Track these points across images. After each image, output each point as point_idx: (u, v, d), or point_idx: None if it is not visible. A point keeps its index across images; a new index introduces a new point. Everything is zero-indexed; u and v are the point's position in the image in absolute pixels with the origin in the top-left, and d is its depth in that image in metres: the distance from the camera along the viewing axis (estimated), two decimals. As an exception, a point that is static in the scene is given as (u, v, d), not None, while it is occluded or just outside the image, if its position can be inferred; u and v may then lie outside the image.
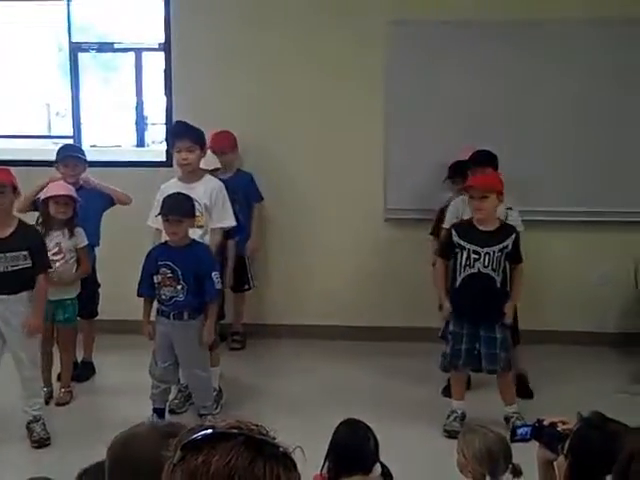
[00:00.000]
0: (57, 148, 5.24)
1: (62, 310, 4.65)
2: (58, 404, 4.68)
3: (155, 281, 4.20)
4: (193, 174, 4.50)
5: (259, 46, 5.66)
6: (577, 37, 5.41)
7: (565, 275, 5.65)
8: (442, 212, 5.10)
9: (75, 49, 6.80)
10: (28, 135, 9.21)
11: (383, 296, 5.74)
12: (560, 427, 2.17)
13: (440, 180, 5.17)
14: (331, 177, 5.75)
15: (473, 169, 4.78)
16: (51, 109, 9.99)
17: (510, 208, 4.80)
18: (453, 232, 4.34)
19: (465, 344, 4.28)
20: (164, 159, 5.77)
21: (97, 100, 9.23)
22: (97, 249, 5.04)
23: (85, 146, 6.42)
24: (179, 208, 4.11)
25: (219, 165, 5.17)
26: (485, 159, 4.77)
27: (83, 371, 5.07)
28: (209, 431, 1.27)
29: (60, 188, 4.59)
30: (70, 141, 6.65)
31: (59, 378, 4.82)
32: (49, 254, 4.47)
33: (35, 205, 4.70)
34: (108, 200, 4.97)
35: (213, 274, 4.20)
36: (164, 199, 4.18)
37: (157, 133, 8.47)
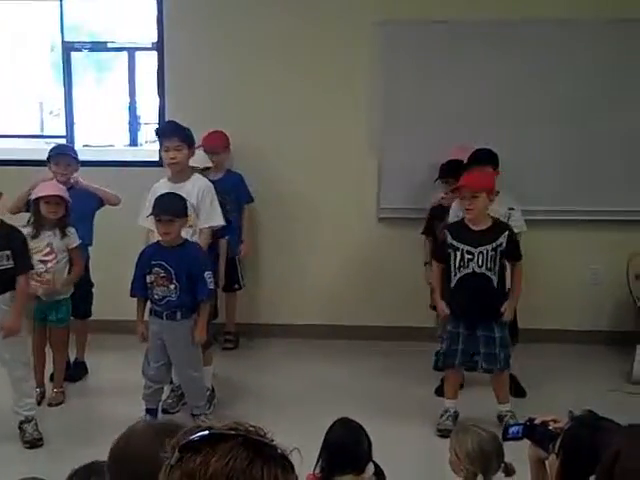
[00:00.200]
0: (49, 148, 5.22)
1: (55, 310, 4.64)
2: (50, 404, 4.66)
3: (148, 281, 4.19)
4: (181, 173, 4.48)
5: (251, 46, 5.65)
6: (569, 37, 5.41)
7: (559, 274, 5.66)
8: (433, 211, 5.11)
9: (68, 48, 6.78)
10: (21, 135, 9.19)
11: (376, 295, 5.75)
12: (552, 426, 2.17)
13: (433, 180, 5.17)
14: (324, 177, 5.75)
15: (472, 168, 4.78)
16: (44, 108, 9.97)
17: (512, 208, 4.81)
18: (446, 233, 4.34)
19: (461, 344, 4.27)
20: (157, 159, 5.74)
21: (90, 100, 9.21)
22: (90, 249, 5.03)
23: (78, 146, 6.41)
24: (171, 208, 4.10)
25: (211, 164, 5.15)
26: (485, 158, 4.77)
27: (76, 371, 5.05)
28: (207, 432, 1.27)
29: (50, 188, 4.56)
30: (63, 141, 6.64)
31: (52, 378, 4.80)
32: (41, 254, 4.46)
33: (28, 205, 4.69)
34: (98, 200, 4.96)
35: (206, 274, 4.19)
36: (156, 199, 4.17)
37: (150, 133, 8.45)
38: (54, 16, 6.76)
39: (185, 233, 4.26)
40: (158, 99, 5.89)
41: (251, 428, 1.28)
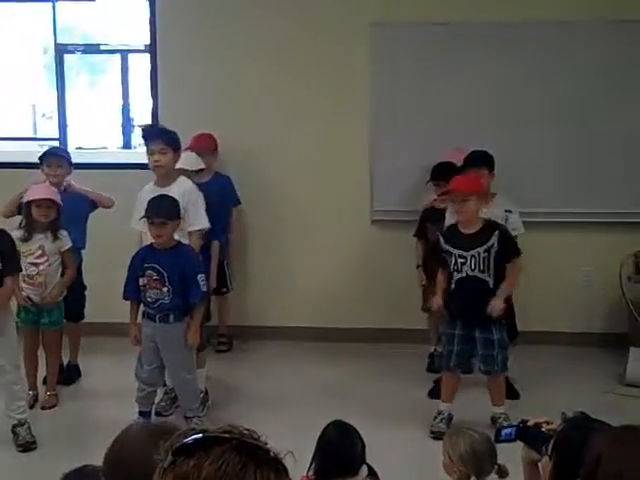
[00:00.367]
0: (42, 150, 5.22)
1: (47, 313, 4.62)
2: (44, 408, 4.65)
3: (141, 283, 4.19)
4: (167, 177, 4.45)
5: (245, 48, 5.66)
6: (569, 39, 5.42)
7: (551, 276, 5.67)
8: (425, 213, 5.12)
9: (61, 50, 6.78)
10: (13, 137, 9.16)
11: (369, 297, 5.75)
12: (544, 428, 2.18)
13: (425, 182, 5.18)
14: (317, 179, 5.76)
15: (468, 170, 4.79)
16: (37, 111, 9.94)
17: (509, 211, 4.82)
18: (440, 238, 4.33)
19: (457, 345, 4.27)
20: (150, 161, 5.75)
21: (83, 102, 9.19)
22: (83, 252, 5.02)
23: (71, 148, 6.40)
24: (163, 210, 4.10)
25: (203, 166, 5.14)
26: (480, 159, 4.77)
27: (69, 374, 5.05)
28: (200, 435, 1.26)
29: (41, 191, 4.54)
30: (56, 143, 6.63)
31: (45, 381, 4.79)
32: (32, 257, 4.45)
33: (20, 209, 4.67)
34: (90, 203, 4.95)
35: (199, 276, 4.19)
36: (149, 201, 4.16)
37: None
38: (47, 18, 6.75)
39: (175, 236, 4.25)
40: (151, 101, 5.89)
41: (245, 431, 1.28)
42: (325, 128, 5.69)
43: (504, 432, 2.37)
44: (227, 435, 1.26)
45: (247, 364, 5.42)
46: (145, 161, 5.92)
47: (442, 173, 4.92)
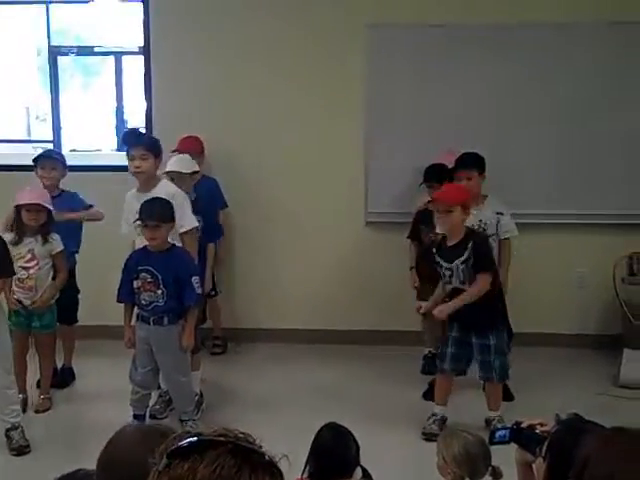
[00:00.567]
0: (36, 153, 5.21)
1: (39, 317, 4.61)
2: (37, 411, 4.64)
3: (135, 286, 4.18)
4: (148, 182, 4.42)
5: (239, 50, 5.66)
6: (562, 40, 5.43)
7: (545, 277, 5.68)
8: (418, 215, 5.12)
9: (54, 53, 6.79)
10: (7, 140, 9.15)
11: (363, 299, 5.75)
12: (538, 429, 2.18)
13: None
14: (312, 181, 5.76)
15: (459, 171, 4.80)
16: (30, 113, 9.93)
17: (501, 213, 4.82)
18: (434, 250, 4.33)
19: (451, 347, 4.27)
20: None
21: (77, 104, 9.19)
22: (77, 255, 5.01)
23: (65, 150, 6.39)
24: (156, 213, 4.09)
25: (198, 168, 5.14)
26: (471, 161, 4.78)
27: (63, 377, 5.03)
28: (195, 438, 1.26)
29: (30, 196, 4.50)
30: (50, 145, 6.63)
31: (38, 385, 4.77)
32: (22, 261, 4.43)
33: None
34: (86, 207, 4.93)
35: (193, 279, 4.18)
36: (142, 205, 4.15)
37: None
38: (41, 20, 6.75)
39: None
40: (145, 103, 5.88)
41: (240, 435, 1.27)
42: (320, 129, 5.69)
43: (498, 434, 2.37)
44: (222, 438, 1.26)
45: (241, 366, 5.41)
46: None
47: (435, 175, 4.94)
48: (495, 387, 4.36)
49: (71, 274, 4.93)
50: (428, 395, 4.66)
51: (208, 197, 5.24)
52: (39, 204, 4.46)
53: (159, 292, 4.13)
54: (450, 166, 4.88)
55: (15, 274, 4.32)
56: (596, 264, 5.54)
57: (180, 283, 4.15)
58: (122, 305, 4.29)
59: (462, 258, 4.14)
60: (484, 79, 5.49)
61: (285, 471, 1.28)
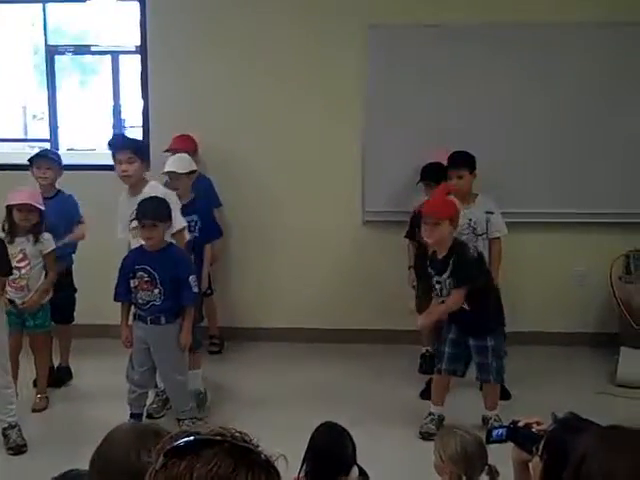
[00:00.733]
0: (33, 152, 5.20)
1: (32, 317, 4.59)
2: (34, 410, 4.63)
3: (132, 285, 4.18)
4: (136, 185, 4.41)
5: (237, 49, 5.65)
6: (559, 41, 5.43)
7: (543, 276, 5.68)
8: (415, 215, 5.11)
9: (51, 51, 6.78)
10: (4, 139, 9.15)
11: (362, 298, 5.75)
12: (535, 428, 2.17)
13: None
14: (309, 180, 5.76)
15: (450, 170, 4.80)
16: (27, 112, 9.92)
17: (491, 212, 4.82)
18: (428, 262, 4.32)
19: (448, 347, 4.28)
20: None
21: (74, 103, 9.19)
22: (74, 255, 5.01)
23: (62, 149, 6.39)
24: (152, 212, 4.09)
25: (196, 167, 5.13)
26: (461, 160, 4.79)
27: (60, 376, 5.03)
28: (192, 438, 1.26)
29: (21, 196, 4.48)
30: (47, 144, 6.62)
31: (35, 384, 4.77)
32: (14, 261, 4.41)
33: None
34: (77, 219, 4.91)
35: (190, 278, 4.19)
36: (138, 204, 4.16)
37: (135, 136, 8.44)
38: (37, 19, 6.74)
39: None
40: (142, 102, 5.88)
41: (237, 434, 1.27)
42: (318, 129, 5.68)
43: (495, 433, 2.37)
44: (219, 437, 1.25)
45: (238, 365, 5.41)
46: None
47: (432, 174, 4.94)
48: (492, 387, 4.36)
49: (68, 273, 4.93)
50: (425, 394, 4.66)
51: (204, 196, 5.24)
52: (30, 204, 4.45)
53: (156, 291, 4.13)
54: (446, 164, 4.88)
55: (12, 274, 4.31)
56: (595, 262, 5.53)
57: (177, 282, 4.16)
58: (119, 304, 4.29)
59: (448, 272, 4.14)
60: (483, 79, 5.49)
61: (282, 470, 1.28)
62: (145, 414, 4.41)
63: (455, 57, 5.47)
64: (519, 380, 4.82)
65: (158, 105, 5.74)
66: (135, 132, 8.07)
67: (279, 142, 5.73)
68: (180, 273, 4.16)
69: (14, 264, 4.42)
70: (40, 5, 7.53)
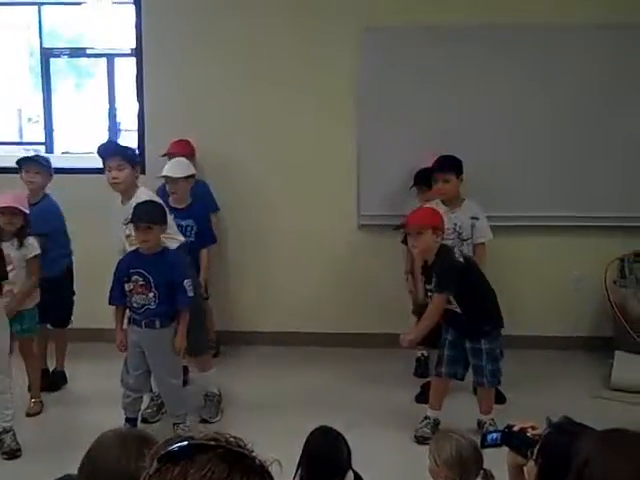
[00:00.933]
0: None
1: (19, 321, 4.53)
2: (29, 415, 4.61)
3: (127, 289, 4.17)
4: (127, 192, 4.40)
5: (231, 52, 5.66)
6: (558, 41, 5.43)
7: (537, 280, 5.69)
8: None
9: (46, 54, 6.77)
10: (-1, 142, 9.12)
11: (357, 302, 5.75)
12: (530, 432, 2.18)
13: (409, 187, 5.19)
14: (304, 183, 5.75)
15: (436, 174, 4.81)
16: (22, 115, 9.90)
17: (476, 217, 4.82)
18: (421, 270, 4.35)
19: (447, 350, 4.28)
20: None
21: (70, 106, 9.17)
22: (73, 257, 5.00)
23: (57, 152, 6.37)
24: (147, 215, 4.09)
25: (194, 171, 5.13)
26: (447, 164, 4.79)
27: (55, 380, 5.01)
28: (186, 443, 1.26)
29: (4, 199, 4.43)
30: (42, 148, 6.61)
31: (29, 389, 4.75)
32: None
33: None
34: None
35: (185, 282, 4.18)
36: (134, 207, 4.15)
37: (130, 139, 8.44)
38: (33, 22, 6.73)
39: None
40: (137, 105, 5.87)
41: (231, 439, 1.27)
42: (313, 132, 5.68)
43: (490, 437, 2.37)
44: (213, 443, 1.25)
45: (234, 369, 5.39)
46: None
47: (425, 178, 4.95)
48: (487, 391, 4.36)
49: (67, 275, 4.91)
50: (421, 398, 4.66)
51: (201, 201, 5.23)
52: (13, 207, 4.41)
53: (151, 295, 4.12)
54: (433, 168, 4.89)
55: (7, 278, 4.28)
56: (591, 266, 5.53)
57: (172, 286, 4.15)
58: (114, 308, 4.28)
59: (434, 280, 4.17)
60: (480, 81, 5.50)
61: (276, 475, 1.28)
62: (140, 418, 4.40)
63: (454, 58, 5.47)
64: (514, 384, 4.81)
65: (153, 108, 5.74)
66: (130, 135, 8.08)
67: (275, 146, 5.72)
68: (175, 277, 4.16)
69: None
70: (35, 8, 7.53)
